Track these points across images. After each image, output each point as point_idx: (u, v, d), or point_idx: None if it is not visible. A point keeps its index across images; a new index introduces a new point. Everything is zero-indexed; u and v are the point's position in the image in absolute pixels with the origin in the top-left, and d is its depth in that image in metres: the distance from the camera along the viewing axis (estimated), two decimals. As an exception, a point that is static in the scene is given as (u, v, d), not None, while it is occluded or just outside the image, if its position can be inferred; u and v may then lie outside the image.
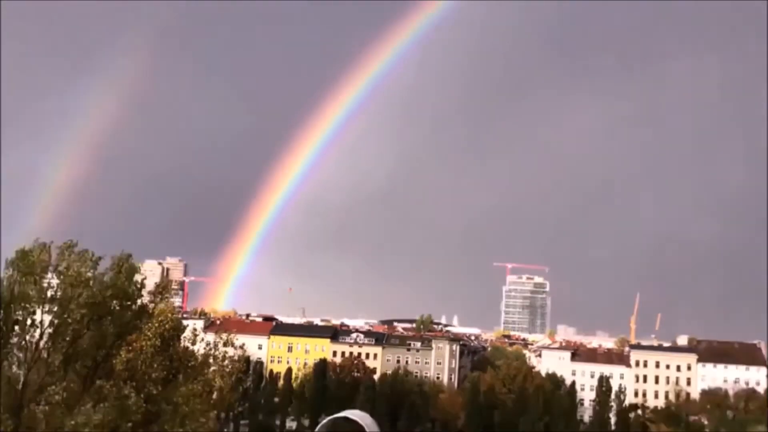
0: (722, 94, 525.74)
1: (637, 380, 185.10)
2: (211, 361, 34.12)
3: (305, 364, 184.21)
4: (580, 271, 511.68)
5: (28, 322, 26.66)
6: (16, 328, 26.55)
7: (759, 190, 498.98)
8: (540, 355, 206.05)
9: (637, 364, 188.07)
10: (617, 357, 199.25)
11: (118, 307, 29.56)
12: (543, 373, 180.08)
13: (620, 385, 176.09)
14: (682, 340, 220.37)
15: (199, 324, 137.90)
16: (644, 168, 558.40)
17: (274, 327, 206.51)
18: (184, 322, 35.78)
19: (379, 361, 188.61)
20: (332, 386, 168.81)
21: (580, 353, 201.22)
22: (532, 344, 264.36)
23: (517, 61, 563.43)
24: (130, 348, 29.56)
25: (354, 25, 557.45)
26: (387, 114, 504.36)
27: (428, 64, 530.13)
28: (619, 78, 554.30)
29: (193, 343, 34.65)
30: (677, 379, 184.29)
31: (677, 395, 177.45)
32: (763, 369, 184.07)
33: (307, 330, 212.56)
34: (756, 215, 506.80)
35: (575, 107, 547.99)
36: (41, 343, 27.36)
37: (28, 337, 26.95)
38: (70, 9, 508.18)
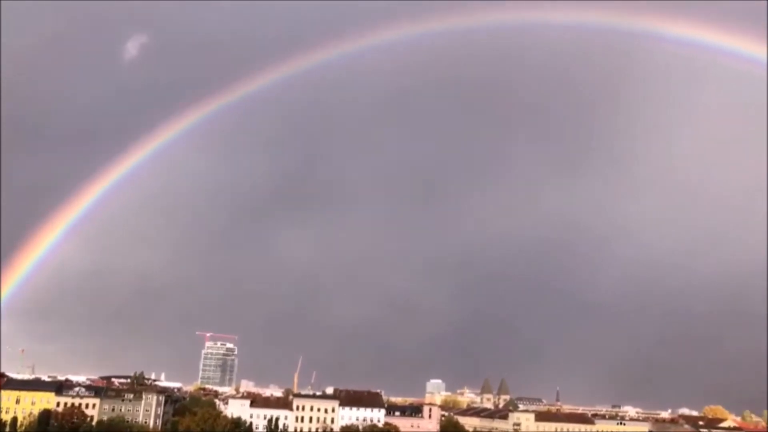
0: (388, 225, 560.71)
1: (297, 420, 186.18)
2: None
3: (31, 413, 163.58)
4: (260, 340, 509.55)
5: None
6: None
7: (417, 295, 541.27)
8: (227, 403, 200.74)
9: (298, 408, 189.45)
10: (284, 403, 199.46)
11: None
12: (229, 416, 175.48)
13: (284, 424, 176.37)
14: (330, 390, 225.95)
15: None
16: (338, 275, 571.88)
17: (4, 383, 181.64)
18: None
19: (97, 410, 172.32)
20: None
21: (257, 401, 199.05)
22: (222, 395, 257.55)
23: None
24: None
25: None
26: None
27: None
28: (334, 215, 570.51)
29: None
30: (325, 418, 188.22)
31: (324, 430, 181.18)
32: (383, 410, 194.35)
33: (35, 385, 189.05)
34: (410, 310, 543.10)
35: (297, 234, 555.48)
36: None
37: None
38: None
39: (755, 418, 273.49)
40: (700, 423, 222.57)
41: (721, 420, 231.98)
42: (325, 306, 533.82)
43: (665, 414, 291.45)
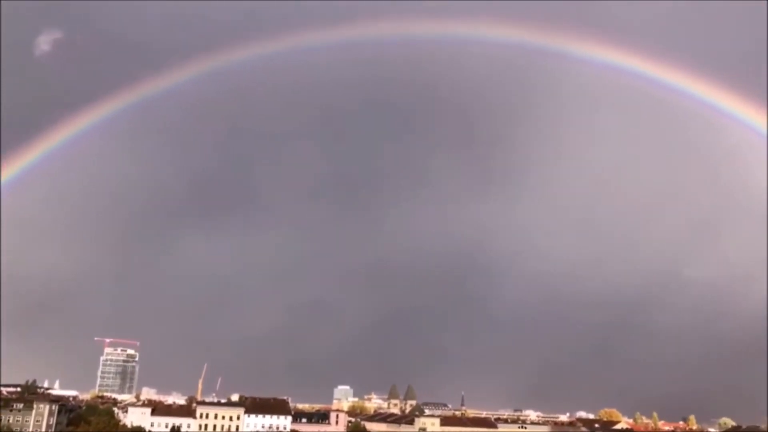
0: (300, 233, 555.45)
1: (200, 428, 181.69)
2: None
3: None
4: (164, 346, 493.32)
5: None
6: None
7: (327, 303, 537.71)
8: (127, 411, 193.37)
9: (201, 416, 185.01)
10: (186, 410, 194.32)
11: None
12: (128, 425, 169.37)
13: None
14: (235, 397, 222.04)
15: None
16: (247, 280, 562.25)
17: None
18: None
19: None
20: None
21: (158, 408, 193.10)
22: (121, 402, 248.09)
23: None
24: None
25: None
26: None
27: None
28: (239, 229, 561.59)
29: None
30: (230, 426, 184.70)
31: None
32: (289, 417, 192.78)
33: None
34: (319, 317, 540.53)
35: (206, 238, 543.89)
36: None
37: None
38: None
39: (645, 420, 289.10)
40: (596, 425, 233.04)
41: (615, 422, 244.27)
42: (233, 312, 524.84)
43: (564, 417, 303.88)
